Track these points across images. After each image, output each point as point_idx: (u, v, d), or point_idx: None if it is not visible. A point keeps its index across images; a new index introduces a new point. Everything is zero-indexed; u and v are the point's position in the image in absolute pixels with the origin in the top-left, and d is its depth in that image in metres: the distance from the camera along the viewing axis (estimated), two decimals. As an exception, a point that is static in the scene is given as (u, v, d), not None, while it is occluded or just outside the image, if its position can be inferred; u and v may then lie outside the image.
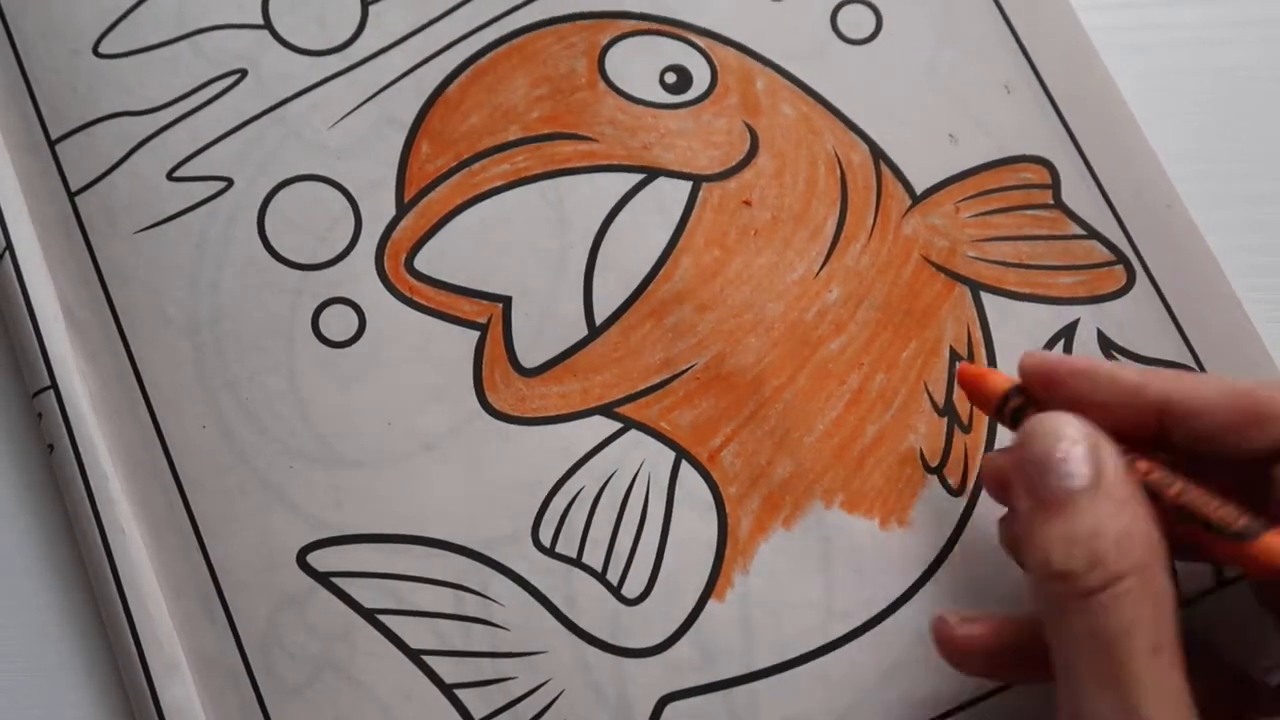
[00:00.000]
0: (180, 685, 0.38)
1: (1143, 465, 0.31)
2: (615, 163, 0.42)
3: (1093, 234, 0.41)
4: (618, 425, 0.40)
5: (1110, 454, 0.30)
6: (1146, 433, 0.32)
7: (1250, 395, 0.31)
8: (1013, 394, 0.34)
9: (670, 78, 0.42)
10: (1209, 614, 0.38)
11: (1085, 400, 0.33)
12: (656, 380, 0.40)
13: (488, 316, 0.41)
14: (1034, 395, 0.34)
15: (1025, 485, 0.31)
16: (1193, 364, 0.40)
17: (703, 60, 0.43)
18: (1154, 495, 0.31)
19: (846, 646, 0.38)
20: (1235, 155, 0.43)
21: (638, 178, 0.42)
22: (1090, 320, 0.40)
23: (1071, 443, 0.31)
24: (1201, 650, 0.31)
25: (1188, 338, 0.40)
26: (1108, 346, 0.40)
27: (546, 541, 0.39)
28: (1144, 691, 0.29)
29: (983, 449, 0.39)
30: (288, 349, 0.40)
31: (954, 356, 0.40)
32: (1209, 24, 0.44)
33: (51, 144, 0.42)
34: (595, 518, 0.39)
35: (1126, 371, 0.33)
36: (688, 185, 0.42)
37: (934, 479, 0.39)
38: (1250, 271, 0.41)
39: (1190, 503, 0.31)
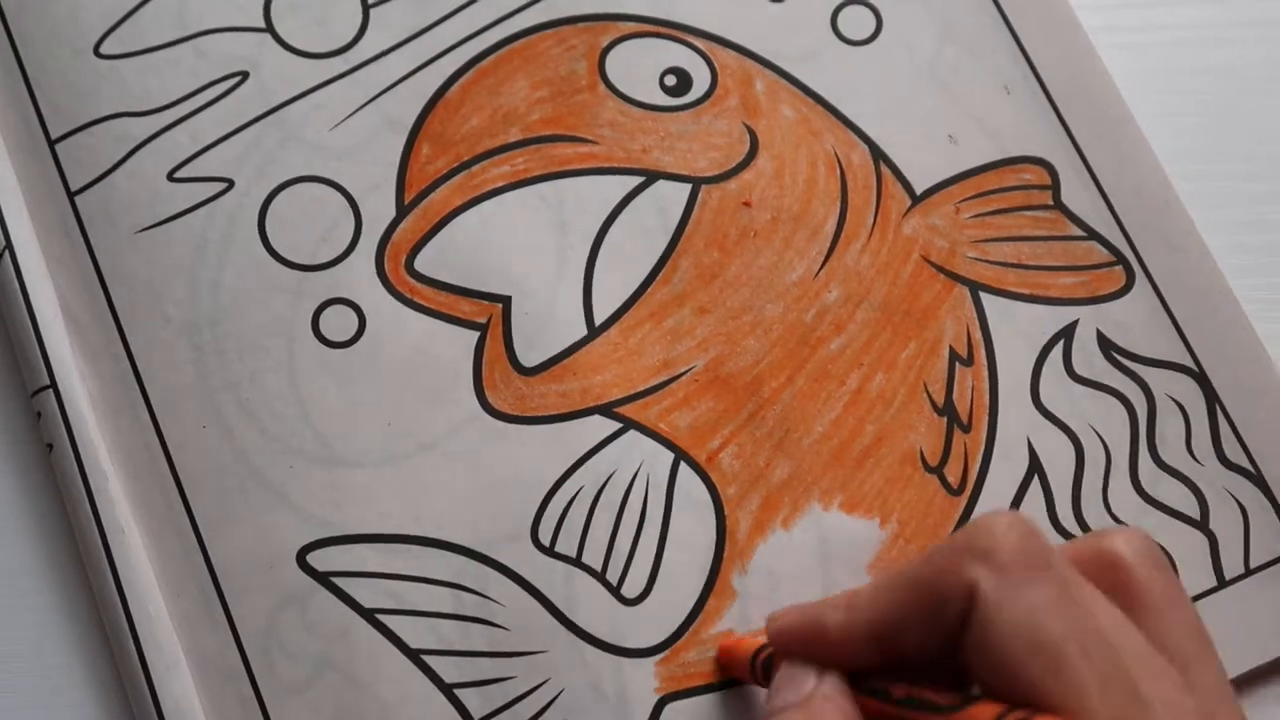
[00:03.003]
0: (180, 685, 0.38)
1: (872, 683, 0.33)
2: (615, 165, 0.42)
3: (1092, 235, 0.41)
4: (617, 425, 0.40)
5: (816, 679, 0.33)
6: (886, 659, 0.33)
7: (924, 581, 0.31)
8: (760, 649, 0.36)
9: (670, 80, 0.43)
10: (1208, 613, 0.38)
11: (821, 644, 0.34)
12: (656, 381, 0.40)
13: (487, 317, 0.41)
14: (783, 649, 0.35)
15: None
16: (1192, 364, 0.40)
17: (702, 62, 0.43)
18: (885, 698, 0.32)
19: (846, 647, 0.38)
20: (1234, 155, 0.43)
21: (637, 180, 0.42)
22: (1090, 321, 0.40)
23: (789, 672, 0.34)
24: None
25: (1186, 338, 0.40)
26: (1108, 347, 0.40)
27: (546, 541, 0.39)
28: None
29: (982, 448, 0.39)
30: (288, 349, 0.40)
31: (954, 356, 0.40)
32: (1208, 24, 0.44)
33: (52, 144, 0.42)
34: (594, 518, 0.39)
35: (835, 619, 0.33)
36: (687, 187, 0.42)
37: (934, 478, 0.39)
38: (1248, 272, 0.41)
39: (910, 693, 0.31)
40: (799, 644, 0.34)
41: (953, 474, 0.39)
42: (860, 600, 0.33)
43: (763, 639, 0.36)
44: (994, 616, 0.29)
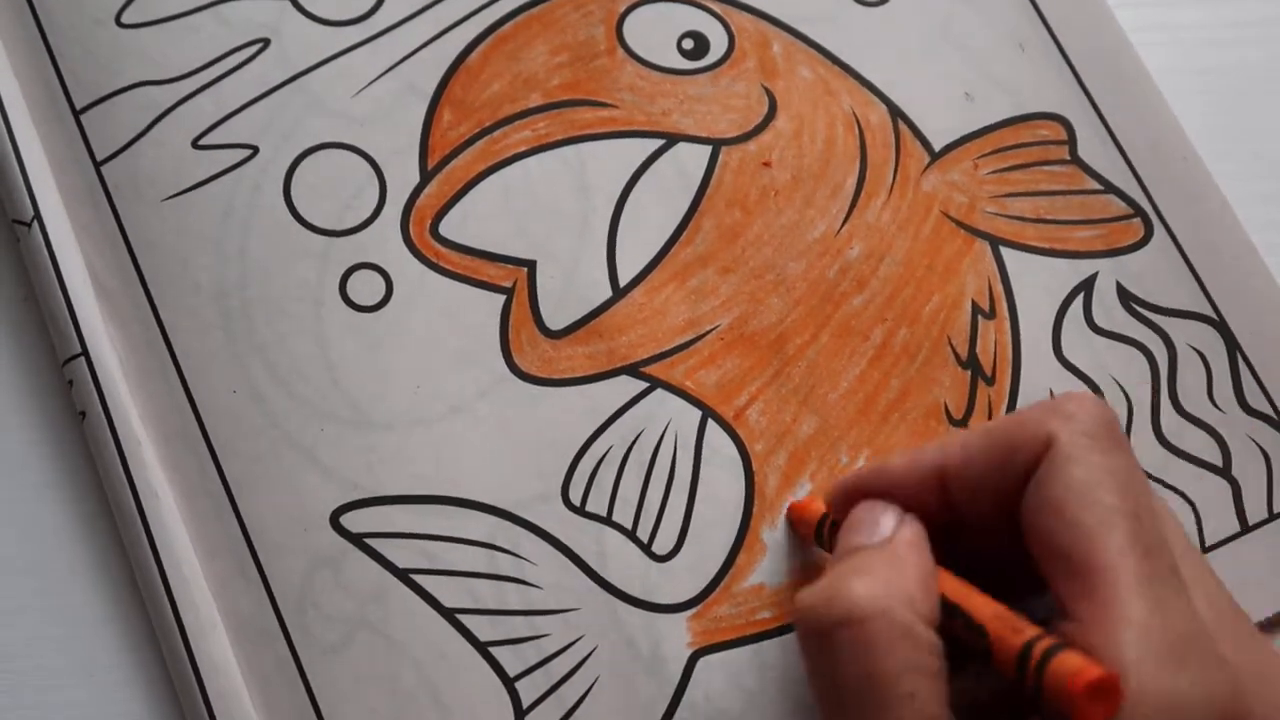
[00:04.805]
0: (217, 646, 0.38)
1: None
2: (636, 129, 0.42)
3: (1110, 188, 0.42)
4: (644, 385, 0.40)
5: (897, 521, 0.32)
6: (942, 506, 0.33)
7: (1001, 429, 0.32)
8: (828, 516, 0.36)
9: (688, 44, 0.43)
10: (1231, 558, 0.39)
11: (882, 479, 0.34)
12: (681, 340, 0.40)
13: (513, 280, 0.41)
14: (846, 491, 0.35)
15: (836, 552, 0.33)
16: (1212, 313, 0.40)
17: (719, 26, 0.43)
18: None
19: (876, 599, 0.38)
20: (1237, 155, 0.43)
21: (658, 143, 0.42)
22: (1109, 273, 0.41)
23: (868, 508, 0.33)
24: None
25: (1206, 287, 0.41)
26: (1127, 299, 0.41)
27: (576, 500, 0.39)
28: None
29: (1006, 401, 0.40)
30: (315, 313, 0.41)
31: (976, 310, 0.41)
32: (1208, 24, 0.45)
33: (76, 114, 0.42)
34: (624, 476, 0.39)
35: (900, 458, 0.34)
36: (707, 149, 0.42)
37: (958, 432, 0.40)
38: (1267, 251, 0.41)
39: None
40: (858, 482, 0.34)
41: (977, 427, 0.40)
42: (930, 445, 0.33)
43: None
44: (1064, 469, 0.30)
